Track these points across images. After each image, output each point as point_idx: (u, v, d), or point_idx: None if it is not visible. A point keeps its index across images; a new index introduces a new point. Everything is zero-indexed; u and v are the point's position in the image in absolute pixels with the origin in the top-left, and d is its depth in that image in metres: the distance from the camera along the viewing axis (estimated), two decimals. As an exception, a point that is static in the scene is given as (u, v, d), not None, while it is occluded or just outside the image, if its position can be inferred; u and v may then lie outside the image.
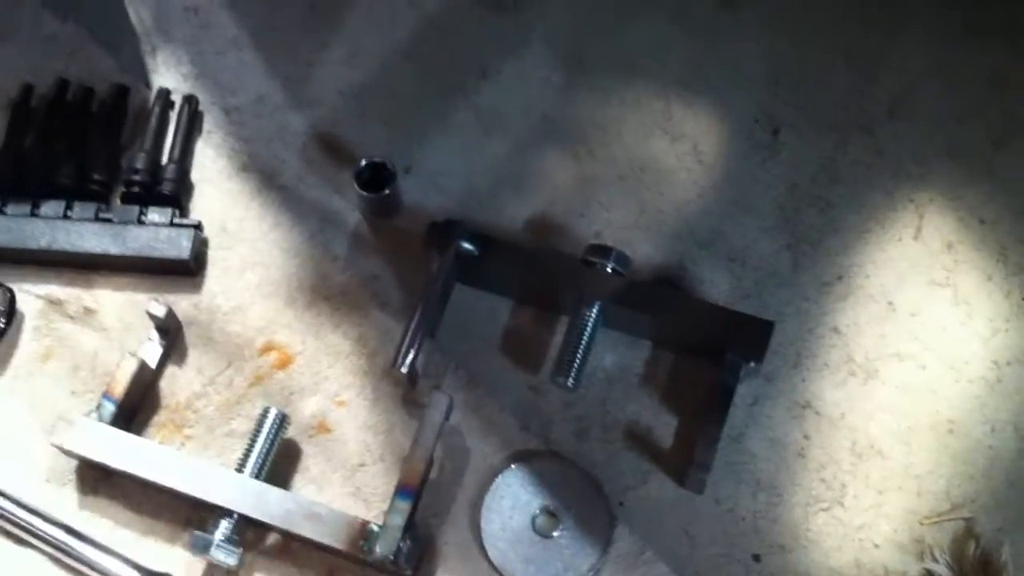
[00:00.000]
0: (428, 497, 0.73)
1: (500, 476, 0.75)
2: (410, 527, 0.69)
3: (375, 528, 0.70)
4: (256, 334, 0.79)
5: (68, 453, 0.73)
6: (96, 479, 0.75)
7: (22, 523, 0.73)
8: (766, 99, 0.86)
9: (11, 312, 0.79)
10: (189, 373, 0.78)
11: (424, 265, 0.77)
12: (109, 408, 0.73)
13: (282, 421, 0.73)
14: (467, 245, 0.76)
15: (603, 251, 0.76)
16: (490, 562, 0.73)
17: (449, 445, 0.76)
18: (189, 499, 0.72)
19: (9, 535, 0.74)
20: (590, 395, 0.78)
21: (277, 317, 0.80)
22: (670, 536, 0.74)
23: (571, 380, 0.72)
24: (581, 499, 0.75)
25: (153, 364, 0.77)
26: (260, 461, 0.72)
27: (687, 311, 0.77)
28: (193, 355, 0.79)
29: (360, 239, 0.83)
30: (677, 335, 0.77)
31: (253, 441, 0.73)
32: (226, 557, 0.70)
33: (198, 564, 0.73)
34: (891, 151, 0.86)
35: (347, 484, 0.75)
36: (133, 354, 0.76)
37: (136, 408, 0.76)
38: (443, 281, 0.76)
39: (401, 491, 0.70)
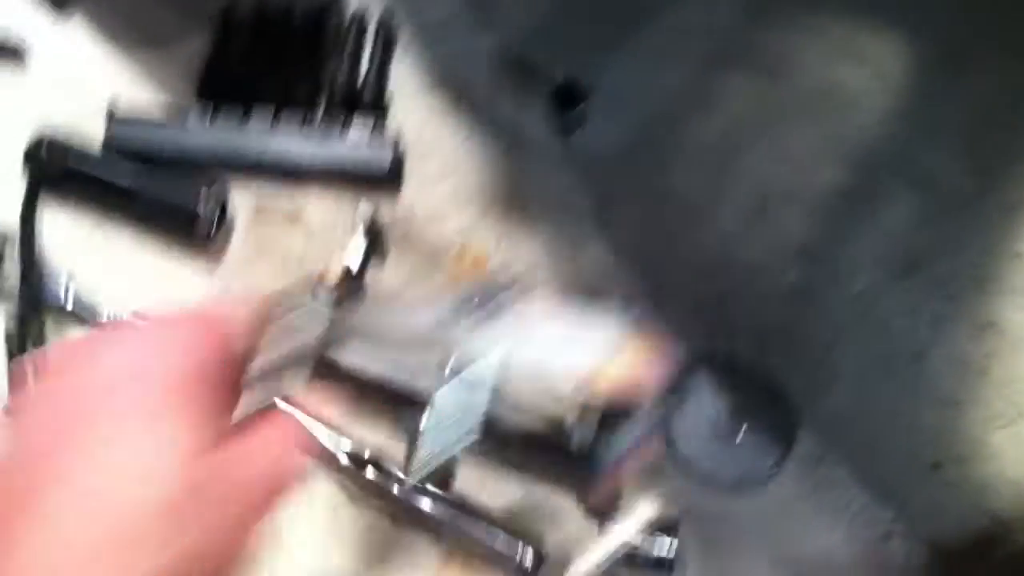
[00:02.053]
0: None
1: (688, 377, 0.78)
2: (603, 420, 0.72)
3: (571, 421, 0.72)
4: (453, 239, 0.82)
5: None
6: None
7: None
8: (955, 23, 0.86)
9: (224, 213, 0.84)
10: (392, 271, 0.81)
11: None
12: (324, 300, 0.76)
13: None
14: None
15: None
16: (674, 458, 0.75)
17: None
18: (397, 391, 0.75)
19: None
20: (771, 305, 0.79)
21: (473, 224, 0.83)
22: (850, 444, 0.76)
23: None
24: (764, 404, 0.77)
25: (357, 265, 0.80)
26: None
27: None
28: (393, 258, 0.82)
29: (548, 156, 0.86)
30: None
31: (455, 335, 0.75)
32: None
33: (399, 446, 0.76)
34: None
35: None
36: (342, 253, 0.78)
37: (345, 300, 0.79)
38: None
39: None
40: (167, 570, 0.42)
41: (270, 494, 0.47)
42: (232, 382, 0.50)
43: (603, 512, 0.73)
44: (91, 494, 0.42)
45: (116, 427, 0.44)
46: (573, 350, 0.55)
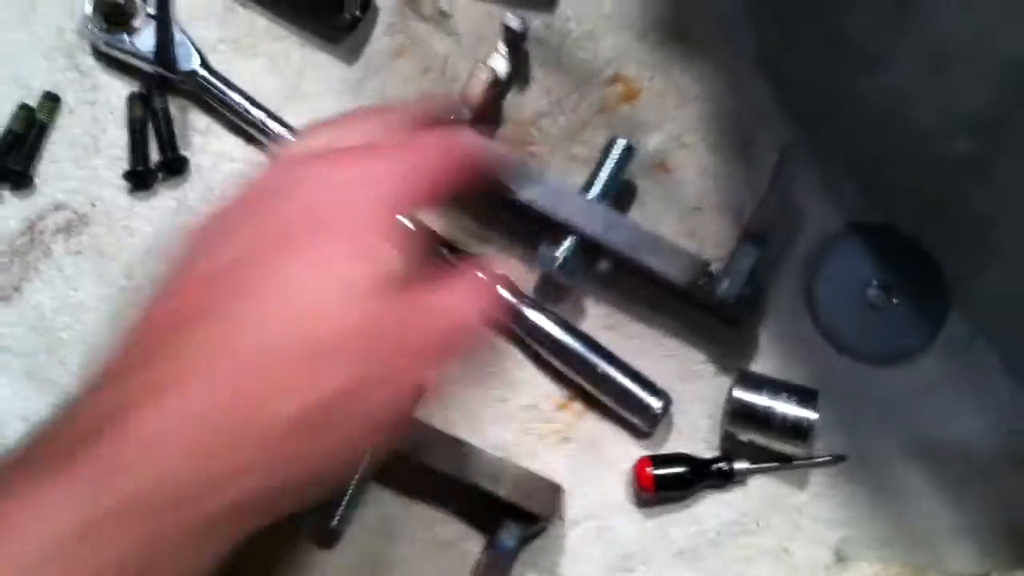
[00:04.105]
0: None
1: (838, 242, 0.73)
2: (752, 274, 0.68)
3: (715, 269, 0.68)
4: (605, 64, 0.77)
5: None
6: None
7: None
8: None
9: (367, 3, 0.77)
10: (535, 92, 0.77)
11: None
12: (464, 113, 0.72)
13: (629, 152, 0.73)
14: None
15: None
16: (818, 324, 0.72)
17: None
18: (535, 214, 0.72)
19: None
20: (934, 175, 0.76)
21: (628, 50, 0.78)
22: (1003, 330, 0.72)
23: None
24: (917, 278, 0.73)
25: (503, 77, 0.75)
26: (605, 189, 0.72)
27: None
28: (540, 75, 0.77)
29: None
30: None
31: (600, 167, 0.72)
32: (566, 275, 0.71)
33: (530, 276, 0.73)
34: None
35: (681, 225, 0.74)
36: (486, 64, 0.73)
37: (484, 118, 0.75)
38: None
39: (750, 236, 0.68)
40: (348, 387, 0.44)
41: (445, 346, 0.49)
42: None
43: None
44: (290, 306, 0.44)
45: (317, 252, 0.46)
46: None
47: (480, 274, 0.54)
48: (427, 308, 0.49)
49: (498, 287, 0.70)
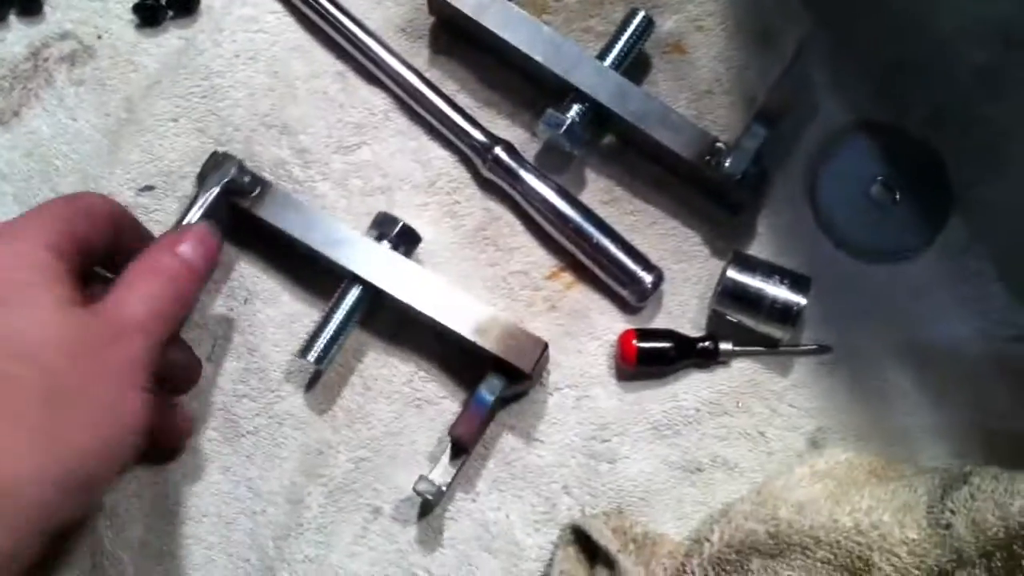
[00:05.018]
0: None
1: (846, 137, 0.73)
2: (759, 156, 0.67)
3: (723, 147, 0.68)
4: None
5: (436, 5, 0.74)
6: (451, 41, 0.76)
7: (377, 59, 0.72)
8: None
9: None
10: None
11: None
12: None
13: (647, 26, 0.72)
14: None
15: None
16: (817, 217, 0.72)
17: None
18: (545, 79, 0.72)
19: (362, 70, 0.76)
20: (952, 82, 0.75)
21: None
22: (1002, 240, 0.72)
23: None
24: (921, 179, 0.73)
25: (525, -57, 0.74)
26: (620, 59, 0.71)
27: None
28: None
29: None
30: None
31: (616, 38, 0.72)
32: (571, 141, 0.70)
33: (532, 145, 0.72)
34: None
35: (692, 107, 0.74)
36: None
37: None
38: None
39: (760, 117, 0.68)
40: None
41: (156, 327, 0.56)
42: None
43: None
44: None
45: None
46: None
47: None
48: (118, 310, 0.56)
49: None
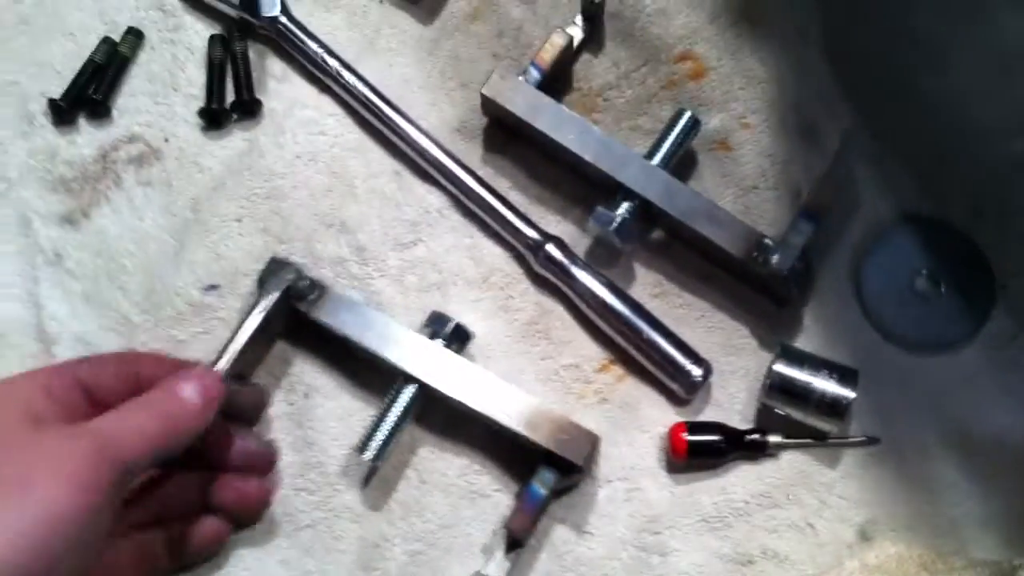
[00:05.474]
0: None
1: (890, 230, 0.74)
2: (805, 251, 0.69)
3: (770, 243, 0.70)
4: (675, 41, 0.79)
5: (490, 107, 0.76)
6: (504, 140, 0.78)
7: (432, 158, 0.75)
8: None
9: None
10: (605, 63, 0.79)
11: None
12: (535, 75, 0.75)
13: (694, 126, 0.74)
14: None
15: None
16: (864, 309, 0.73)
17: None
18: (595, 177, 0.74)
19: (418, 169, 0.78)
20: (992, 172, 0.77)
21: (699, 29, 0.79)
22: (1048, 330, 0.72)
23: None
24: (965, 272, 0.74)
25: (575, 45, 0.77)
26: (667, 158, 0.73)
27: None
28: (611, 47, 0.79)
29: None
30: None
31: (664, 137, 0.74)
32: (621, 237, 0.72)
33: (583, 240, 0.75)
34: None
35: (738, 202, 0.76)
36: (564, 30, 0.75)
37: (554, 84, 0.77)
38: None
39: (805, 213, 0.69)
40: None
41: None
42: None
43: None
44: None
45: None
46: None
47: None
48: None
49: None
